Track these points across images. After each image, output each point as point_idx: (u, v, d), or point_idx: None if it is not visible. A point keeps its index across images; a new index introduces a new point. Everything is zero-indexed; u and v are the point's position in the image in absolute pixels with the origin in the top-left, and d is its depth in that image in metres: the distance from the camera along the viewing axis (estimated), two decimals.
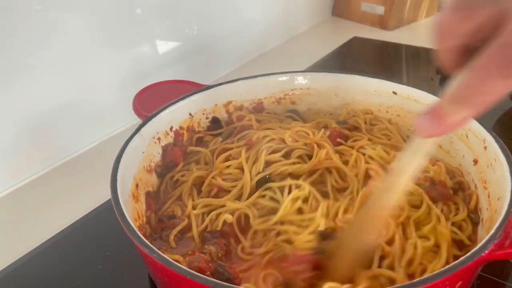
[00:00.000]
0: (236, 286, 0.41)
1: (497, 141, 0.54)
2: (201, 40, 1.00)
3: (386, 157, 0.62)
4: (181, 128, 0.68)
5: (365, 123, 0.71)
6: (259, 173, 0.59)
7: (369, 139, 0.66)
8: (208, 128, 0.72)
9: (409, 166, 0.41)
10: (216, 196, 0.60)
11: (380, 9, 1.29)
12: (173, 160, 0.66)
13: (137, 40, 0.87)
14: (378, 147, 0.63)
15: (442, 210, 0.55)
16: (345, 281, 0.44)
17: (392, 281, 0.46)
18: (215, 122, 0.72)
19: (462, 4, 0.34)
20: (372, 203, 0.46)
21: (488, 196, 0.53)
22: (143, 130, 0.62)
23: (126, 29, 0.84)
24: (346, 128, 0.69)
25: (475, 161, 0.58)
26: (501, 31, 0.32)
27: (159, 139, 0.65)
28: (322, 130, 0.66)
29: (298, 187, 0.57)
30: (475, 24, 0.34)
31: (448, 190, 0.57)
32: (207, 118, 0.72)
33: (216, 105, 0.72)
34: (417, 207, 0.55)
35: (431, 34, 0.36)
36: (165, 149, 0.66)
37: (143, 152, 0.62)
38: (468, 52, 0.35)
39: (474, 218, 0.55)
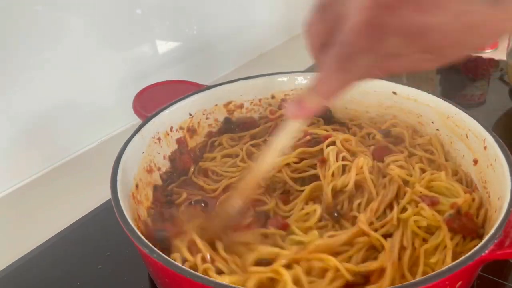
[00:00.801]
0: (236, 287, 0.41)
1: (497, 141, 0.54)
2: (201, 40, 1.00)
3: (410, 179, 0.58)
4: (181, 128, 0.68)
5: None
6: None
7: (410, 155, 0.63)
8: (219, 130, 0.72)
9: (279, 143, 0.50)
10: None
11: None
12: (184, 167, 0.67)
13: (137, 40, 0.87)
14: (416, 167, 0.59)
15: (457, 244, 0.50)
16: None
17: None
18: (228, 123, 0.73)
19: (319, 6, 0.41)
20: (247, 173, 0.54)
21: (488, 196, 0.53)
22: (143, 130, 0.62)
23: (126, 29, 0.84)
24: (390, 141, 0.66)
25: (475, 161, 0.58)
26: (341, 31, 0.36)
27: (159, 139, 0.65)
28: (368, 159, 0.59)
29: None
30: (327, 25, 0.39)
31: (473, 223, 0.51)
32: (207, 118, 0.72)
33: (216, 105, 0.72)
34: (430, 233, 0.51)
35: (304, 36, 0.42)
36: (173, 158, 0.67)
37: (143, 152, 0.62)
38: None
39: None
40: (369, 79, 0.40)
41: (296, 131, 0.50)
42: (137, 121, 0.66)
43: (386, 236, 0.51)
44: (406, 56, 0.35)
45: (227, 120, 0.73)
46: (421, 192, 0.54)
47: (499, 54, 1.08)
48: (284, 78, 0.74)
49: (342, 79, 0.39)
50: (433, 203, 0.52)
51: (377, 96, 0.72)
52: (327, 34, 0.39)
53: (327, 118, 0.73)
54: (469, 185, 0.58)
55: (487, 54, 1.10)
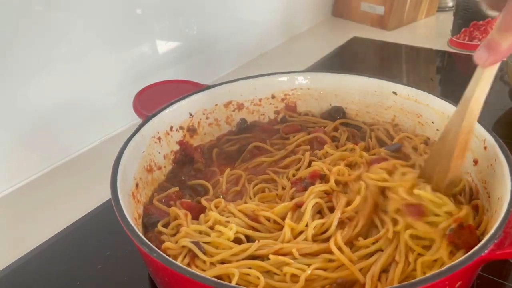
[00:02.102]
0: (237, 286, 0.41)
1: (497, 141, 0.54)
2: (201, 40, 1.00)
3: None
4: (181, 127, 0.69)
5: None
6: None
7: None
8: (233, 132, 0.73)
9: (476, 94, 0.48)
10: None
11: (380, 9, 1.28)
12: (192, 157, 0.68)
13: (137, 40, 0.87)
14: (399, 170, 0.57)
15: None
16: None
17: None
18: (243, 124, 0.74)
19: None
20: (448, 133, 0.52)
21: (488, 196, 0.53)
22: (143, 129, 0.62)
23: (126, 29, 0.84)
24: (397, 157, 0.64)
25: (475, 161, 0.58)
26: None
27: (159, 138, 0.65)
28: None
29: None
30: None
31: (475, 237, 0.49)
32: (207, 118, 0.72)
33: (216, 105, 0.72)
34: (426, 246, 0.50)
35: None
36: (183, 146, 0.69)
37: (143, 151, 0.62)
38: None
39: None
40: None
41: (492, 78, 0.47)
42: (137, 121, 0.66)
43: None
44: None
45: (243, 122, 0.74)
46: (405, 199, 0.51)
47: None
48: (284, 78, 0.74)
49: None
50: (419, 214, 0.50)
51: (377, 96, 0.72)
52: None
53: (336, 120, 0.74)
54: (481, 208, 0.54)
55: None
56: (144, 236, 0.49)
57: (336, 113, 0.74)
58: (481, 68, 0.46)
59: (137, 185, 0.58)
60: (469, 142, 0.52)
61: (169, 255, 0.47)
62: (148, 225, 0.57)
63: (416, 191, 0.51)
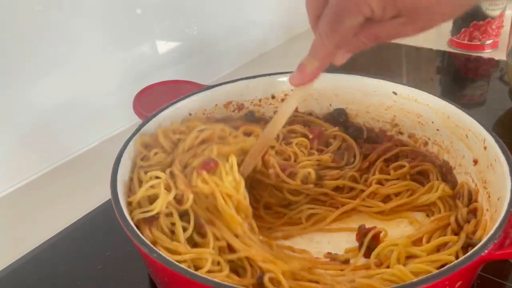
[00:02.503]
0: (236, 286, 0.41)
1: (497, 141, 0.54)
2: (201, 40, 1.00)
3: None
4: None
5: None
6: None
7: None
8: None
9: (287, 110, 0.55)
10: None
11: None
12: None
13: (137, 40, 0.87)
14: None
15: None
16: None
17: None
18: (251, 117, 0.74)
19: None
20: (261, 136, 0.59)
21: (489, 196, 0.53)
22: (143, 130, 0.62)
23: (126, 29, 0.84)
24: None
25: (475, 161, 0.58)
26: (327, 3, 0.43)
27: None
28: None
29: None
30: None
31: None
32: (207, 118, 0.72)
33: (216, 105, 0.72)
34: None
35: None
36: None
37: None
38: None
39: (472, 243, 0.50)
40: (359, 48, 0.46)
41: (302, 97, 0.56)
42: (137, 121, 0.66)
43: None
44: (386, 21, 0.41)
45: (251, 115, 0.74)
46: None
47: (499, 54, 1.08)
48: (284, 78, 0.74)
49: (333, 41, 0.44)
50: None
51: (377, 96, 0.72)
52: (322, 7, 0.44)
53: (343, 123, 0.74)
54: (479, 211, 0.55)
55: (487, 54, 1.10)
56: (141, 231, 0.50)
57: (338, 115, 0.74)
58: (293, 87, 0.53)
59: None
60: (265, 148, 0.59)
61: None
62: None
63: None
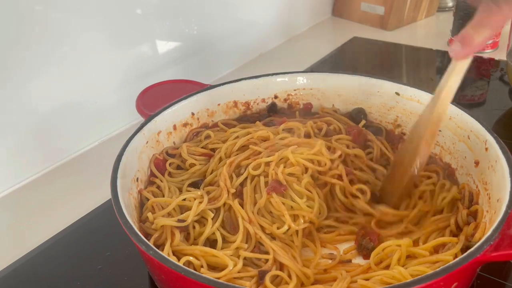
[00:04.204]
0: (232, 284, 0.41)
1: (498, 142, 0.54)
2: (201, 40, 1.00)
3: None
4: (183, 125, 0.69)
5: None
6: None
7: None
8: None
9: (449, 84, 0.52)
10: None
11: (380, 9, 1.28)
12: None
13: (137, 40, 0.87)
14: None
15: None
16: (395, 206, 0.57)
17: None
18: (273, 107, 0.74)
19: None
20: (421, 119, 0.56)
21: (489, 198, 0.53)
22: (145, 129, 0.62)
23: (126, 29, 0.84)
24: None
25: (477, 163, 0.58)
26: None
27: (161, 138, 0.65)
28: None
29: None
30: None
31: None
32: (210, 117, 0.72)
33: (219, 104, 0.72)
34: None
35: None
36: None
37: (144, 151, 0.62)
38: None
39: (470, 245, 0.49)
40: None
41: (465, 70, 0.51)
42: (138, 121, 0.66)
43: None
44: None
45: (273, 105, 0.74)
46: None
47: (499, 54, 1.08)
48: (286, 78, 0.74)
49: (507, 10, 0.42)
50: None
51: (380, 96, 0.72)
52: None
53: (358, 122, 0.73)
54: (480, 214, 0.54)
55: (487, 54, 1.10)
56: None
57: (357, 115, 0.73)
58: (454, 61, 0.50)
59: (138, 184, 0.59)
60: (438, 128, 0.56)
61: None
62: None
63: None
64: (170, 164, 0.64)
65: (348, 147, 0.65)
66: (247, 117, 0.74)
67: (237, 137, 0.65)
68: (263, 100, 0.75)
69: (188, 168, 0.64)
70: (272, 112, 0.74)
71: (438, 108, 0.53)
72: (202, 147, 0.66)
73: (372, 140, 0.69)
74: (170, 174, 0.63)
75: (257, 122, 0.70)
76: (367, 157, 0.67)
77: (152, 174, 0.63)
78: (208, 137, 0.68)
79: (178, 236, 0.52)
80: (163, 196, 0.59)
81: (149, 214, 0.54)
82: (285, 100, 0.75)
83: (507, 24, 1.07)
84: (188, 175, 0.63)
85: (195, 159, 0.64)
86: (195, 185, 0.62)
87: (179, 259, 0.49)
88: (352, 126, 0.70)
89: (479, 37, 0.46)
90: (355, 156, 0.65)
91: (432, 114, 0.54)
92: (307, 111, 0.75)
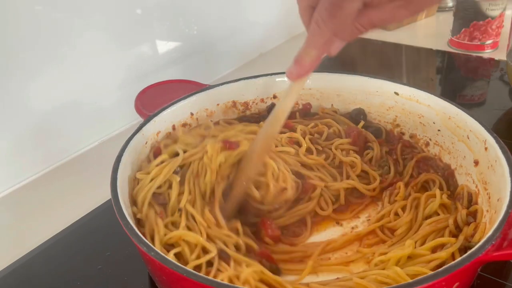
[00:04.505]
0: (232, 284, 0.41)
1: (497, 142, 0.54)
2: (201, 40, 1.00)
3: None
4: (183, 125, 0.69)
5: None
6: None
7: None
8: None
9: (287, 103, 0.54)
10: None
11: None
12: None
13: (137, 40, 0.87)
14: None
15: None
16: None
17: None
18: (273, 107, 0.73)
19: None
20: (256, 140, 0.58)
21: (489, 197, 0.53)
22: (144, 129, 0.62)
23: (126, 29, 0.84)
24: None
25: (476, 162, 0.58)
26: None
27: (160, 139, 0.65)
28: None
29: None
30: None
31: None
32: (209, 117, 0.72)
33: (218, 104, 0.72)
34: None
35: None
36: None
37: (144, 151, 0.62)
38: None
39: (470, 245, 0.49)
40: (354, 36, 0.44)
41: (299, 91, 0.54)
42: (137, 121, 0.66)
43: None
44: (383, 5, 0.42)
45: (272, 105, 0.74)
46: None
47: (499, 54, 1.08)
48: (285, 78, 0.74)
49: (332, 27, 0.44)
50: None
51: (379, 96, 0.72)
52: None
53: (358, 122, 0.72)
54: (480, 214, 0.54)
55: (487, 54, 1.10)
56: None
57: (357, 115, 0.73)
58: (291, 82, 0.52)
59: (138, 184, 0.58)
60: (271, 144, 0.60)
61: None
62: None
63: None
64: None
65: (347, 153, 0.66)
66: (247, 118, 0.74)
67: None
68: (262, 100, 0.75)
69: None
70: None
71: (269, 126, 0.55)
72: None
73: (372, 141, 0.69)
74: None
75: (261, 123, 0.70)
76: (367, 157, 0.67)
77: None
78: (208, 128, 0.68)
79: (161, 224, 0.52)
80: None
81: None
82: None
83: (506, 25, 1.07)
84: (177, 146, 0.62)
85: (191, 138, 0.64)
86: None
87: (168, 250, 0.49)
88: (352, 128, 0.70)
89: (308, 57, 0.47)
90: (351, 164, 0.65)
91: (267, 132, 0.56)
92: (307, 112, 0.75)
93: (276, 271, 0.51)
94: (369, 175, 0.65)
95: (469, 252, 0.42)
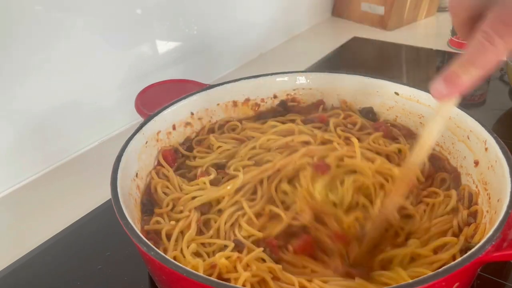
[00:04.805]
0: (232, 285, 0.41)
1: (498, 142, 0.54)
2: (201, 40, 1.00)
3: None
4: (184, 125, 0.69)
5: None
6: None
7: None
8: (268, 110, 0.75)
9: (434, 131, 0.47)
10: None
11: (380, 9, 1.29)
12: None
13: (137, 40, 0.87)
14: None
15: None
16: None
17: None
18: (284, 106, 0.74)
19: None
20: (404, 165, 0.53)
21: (489, 198, 0.53)
22: (144, 129, 0.62)
23: (126, 29, 0.84)
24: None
25: (476, 163, 0.58)
26: (496, 3, 0.39)
27: (161, 137, 0.65)
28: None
29: None
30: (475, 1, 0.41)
31: None
32: (209, 117, 0.72)
33: (218, 104, 0.72)
34: None
35: (449, 11, 0.44)
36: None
37: (144, 151, 0.62)
38: (475, 23, 0.41)
39: (470, 246, 0.48)
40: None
41: (449, 114, 0.48)
42: (138, 121, 0.66)
43: None
44: None
45: (282, 103, 0.75)
46: None
47: None
48: (285, 78, 0.74)
49: (502, 48, 0.38)
50: None
51: (379, 96, 0.72)
52: (475, 8, 0.40)
53: (372, 119, 0.72)
54: (480, 214, 0.54)
55: None
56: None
57: (367, 114, 0.73)
58: (437, 103, 0.46)
59: (137, 185, 0.58)
60: (411, 182, 0.54)
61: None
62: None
63: None
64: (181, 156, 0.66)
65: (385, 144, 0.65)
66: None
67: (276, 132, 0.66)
68: (262, 100, 0.75)
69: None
70: (284, 110, 0.74)
71: (414, 158, 0.50)
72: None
73: (398, 136, 0.68)
74: (178, 168, 0.65)
75: (297, 120, 0.70)
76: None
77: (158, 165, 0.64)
78: (234, 128, 0.71)
79: (194, 228, 0.54)
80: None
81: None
82: (287, 100, 0.75)
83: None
84: (215, 155, 0.64)
85: (225, 142, 0.66)
86: (220, 167, 0.63)
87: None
88: (379, 123, 0.70)
89: (467, 76, 0.41)
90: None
91: (414, 162, 0.50)
92: (323, 109, 0.75)
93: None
94: None
95: (469, 252, 0.42)
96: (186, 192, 0.59)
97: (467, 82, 0.41)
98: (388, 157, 0.63)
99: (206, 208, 0.57)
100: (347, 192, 0.56)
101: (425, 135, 0.48)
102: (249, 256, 0.49)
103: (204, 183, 0.59)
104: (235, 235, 0.53)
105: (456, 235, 0.53)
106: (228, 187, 0.57)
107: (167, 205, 0.58)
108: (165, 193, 0.59)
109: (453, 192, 0.58)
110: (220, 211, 0.57)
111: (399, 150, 0.64)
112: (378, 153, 0.63)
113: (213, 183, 0.60)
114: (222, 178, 0.60)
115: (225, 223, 0.55)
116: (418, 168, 0.53)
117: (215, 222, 0.55)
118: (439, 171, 0.63)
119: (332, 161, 0.59)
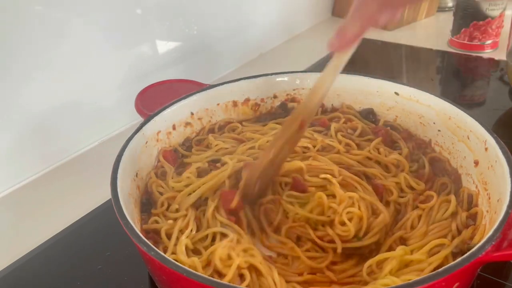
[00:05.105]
0: (232, 284, 0.41)
1: (498, 142, 0.54)
2: (201, 40, 1.00)
3: None
4: (183, 125, 0.69)
5: None
6: None
7: None
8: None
9: (325, 79, 0.53)
10: None
11: None
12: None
13: (137, 40, 0.87)
14: None
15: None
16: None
17: None
18: (284, 107, 0.75)
19: None
20: (296, 111, 0.56)
21: (489, 198, 0.53)
22: (144, 128, 0.62)
23: (126, 29, 0.84)
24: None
25: (476, 163, 0.58)
26: None
27: (161, 138, 0.65)
28: None
29: None
30: None
31: None
32: (209, 117, 0.72)
33: (218, 104, 0.72)
34: None
35: None
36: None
37: (144, 151, 0.62)
38: None
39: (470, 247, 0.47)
40: (402, 7, 0.44)
41: (341, 65, 0.52)
42: (137, 121, 0.66)
43: None
44: None
45: (283, 105, 0.75)
46: None
47: (499, 54, 1.08)
48: (285, 78, 0.74)
49: (379, 5, 0.43)
50: None
51: (379, 96, 0.72)
52: None
53: (373, 123, 0.72)
54: (480, 215, 0.54)
55: (487, 54, 1.10)
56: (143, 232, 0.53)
57: (367, 116, 0.73)
58: (333, 54, 0.51)
59: (137, 185, 0.58)
60: (307, 121, 0.55)
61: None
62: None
63: None
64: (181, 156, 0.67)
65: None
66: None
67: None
68: (262, 100, 0.75)
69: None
70: (285, 111, 0.75)
71: (311, 101, 0.54)
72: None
73: (398, 139, 0.68)
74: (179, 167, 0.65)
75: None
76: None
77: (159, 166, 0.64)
78: (234, 129, 0.71)
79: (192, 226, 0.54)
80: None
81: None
82: (286, 100, 0.75)
83: (506, 25, 1.07)
84: (212, 152, 0.65)
85: (223, 141, 0.67)
86: (216, 162, 0.64)
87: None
88: (378, 127, 0.70)
89: (352, 29, 0.47)
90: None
91: (306, 107, 0.54)
92: (323, 110, 0.75)
93: None
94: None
95: (469, 252, 0.42)
96: (176, 189, 0.59)
97: (354, 34, 0.47)
98: (386, 167, 0.63)
99: (199, 202, 0.58)
100: None
101: (319, 81, 0.53)
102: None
103: (188, 177, 0.59)
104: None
105: (454, 238, 0.52)
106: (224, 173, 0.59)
107: (162, 205, 0.58)
108: (160, 193, 0.59)
109: (452, 197, 0.57)
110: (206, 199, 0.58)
111: (398, 163, 0.64)
112: (377, 162, 0.64)
113: (201, 175, 0.61)
114: (210, 171, 0.61)
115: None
116: (311, 115, 0.55)
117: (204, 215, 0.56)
118: (440, 175, 0.63)
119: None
